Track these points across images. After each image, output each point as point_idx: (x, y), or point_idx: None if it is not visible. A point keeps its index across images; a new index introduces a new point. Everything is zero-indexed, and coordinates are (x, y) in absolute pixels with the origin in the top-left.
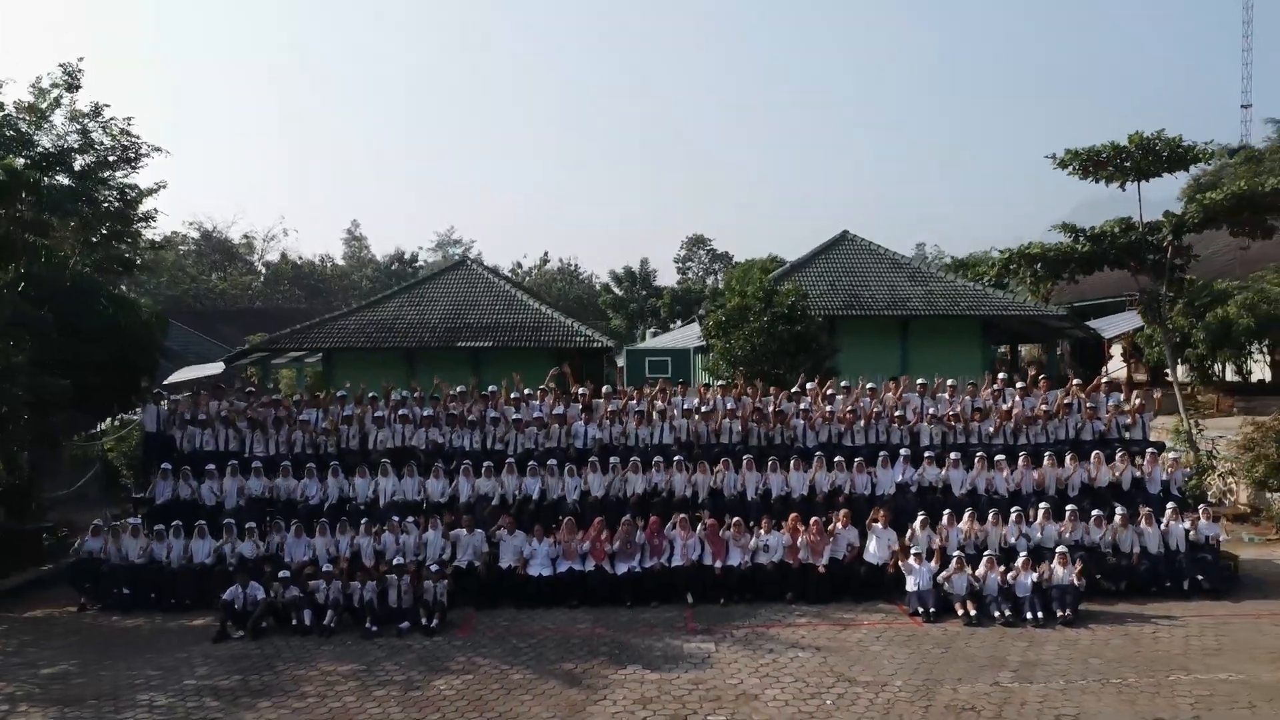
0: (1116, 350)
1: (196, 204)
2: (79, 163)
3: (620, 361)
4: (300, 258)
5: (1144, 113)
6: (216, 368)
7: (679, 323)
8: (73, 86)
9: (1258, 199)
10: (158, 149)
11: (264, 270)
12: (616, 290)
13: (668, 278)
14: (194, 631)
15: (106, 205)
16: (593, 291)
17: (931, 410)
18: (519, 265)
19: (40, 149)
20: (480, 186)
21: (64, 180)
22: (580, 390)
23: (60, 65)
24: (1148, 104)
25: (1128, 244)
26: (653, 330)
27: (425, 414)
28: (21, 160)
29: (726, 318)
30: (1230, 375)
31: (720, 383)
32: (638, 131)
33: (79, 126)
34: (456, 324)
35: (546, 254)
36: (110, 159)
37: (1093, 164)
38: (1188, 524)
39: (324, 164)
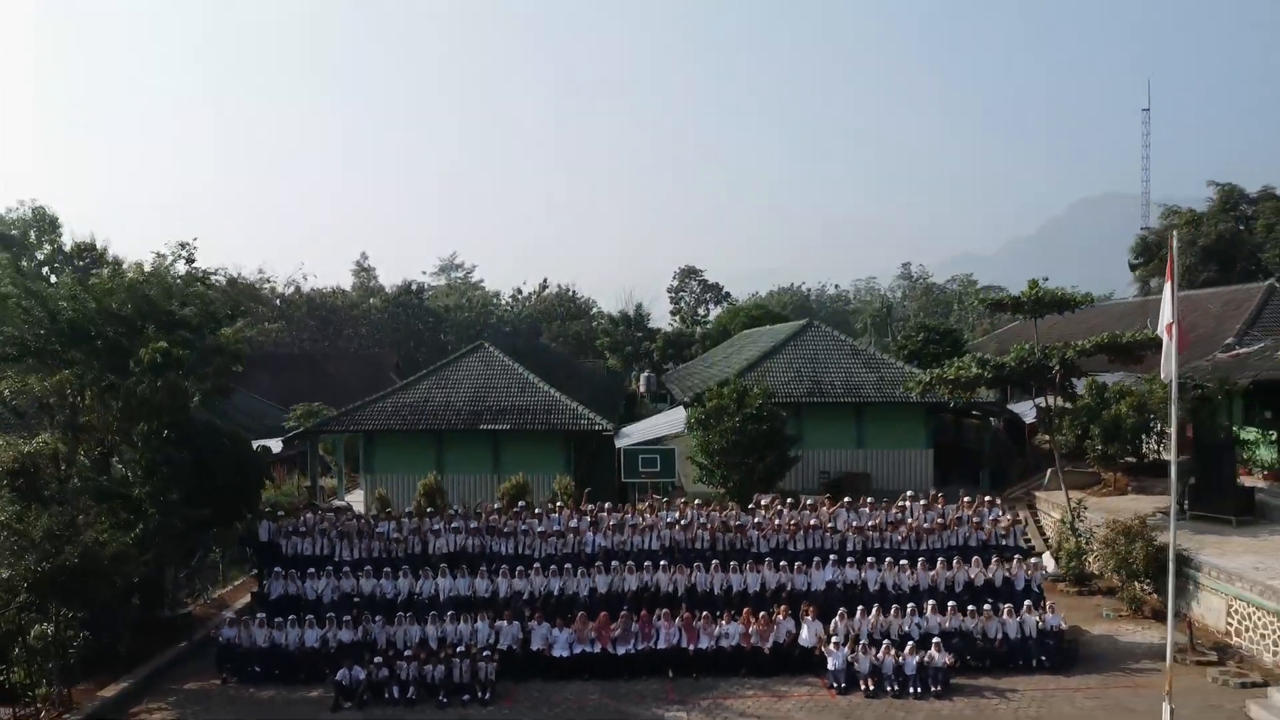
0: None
1: (216, 243)
2: (195, 319)
3: (619, 442)
4: (312, 288)
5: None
6: (277, 445)
7: (671, 365)
8: (189, 260)
9: (1118, 347)
10: (252, 286)
11: (279, 304)
12: (613, 333)
13: (662, 306)
14: (313, 702)
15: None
16: (590, 329)
17: (855, 523)
18: (519, 291)
19: (166, 314)
20: (486, 212)
21: (186, 334)
22: (589, 506)
23: (180, 244)
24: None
25: (1025, 370)
26: (647, 374)
27: (471, 525)
28: (163, 343)
29: (706, 415)
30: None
31: (697, 501)
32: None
33: (195, 290)
34: (479, 407)
35: (545, 280)
36: (217, 315)
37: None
38: (1038, 616)
39: (333, 195)
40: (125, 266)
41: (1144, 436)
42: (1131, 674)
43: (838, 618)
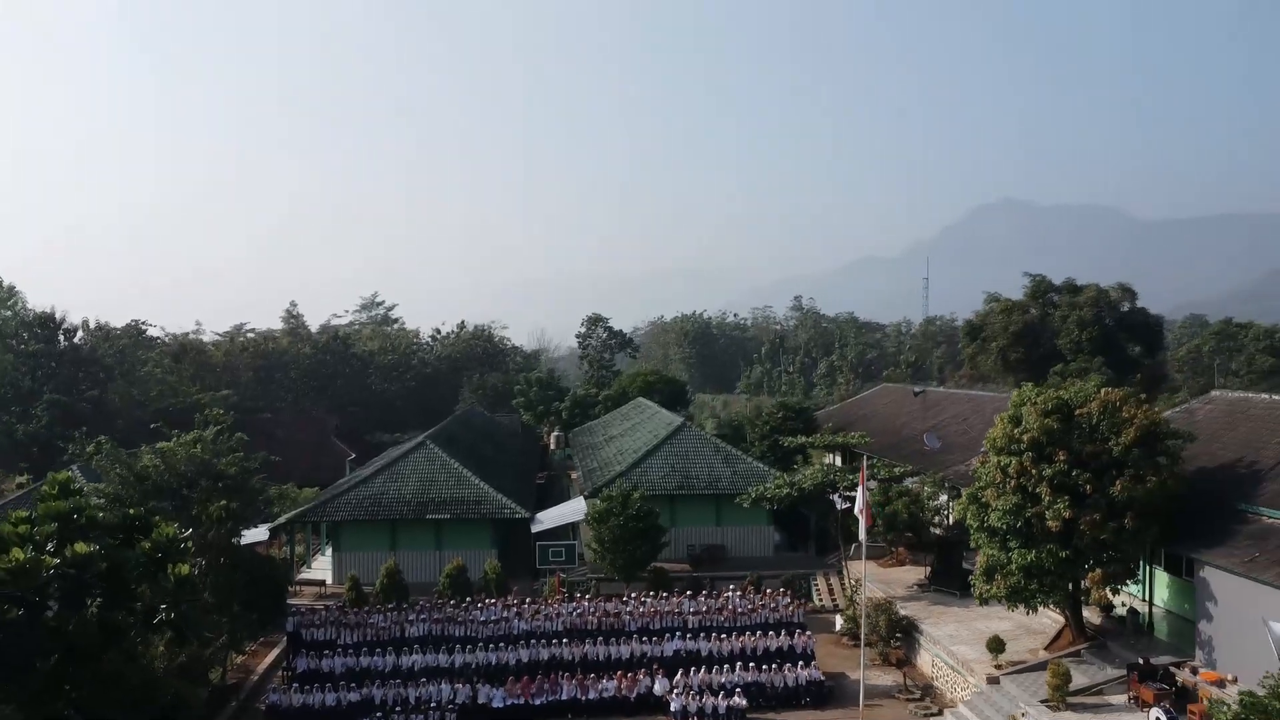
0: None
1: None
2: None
3: (534, 526)
4: (248, 335)
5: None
6: (264, 535)
7: (580, 420)
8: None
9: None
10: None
11: (223, 359)
12: (528, 393)
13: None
14: None
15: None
16: (508, 382)
17: (691, 608)
18: (438, 331)
19: (217, 473)
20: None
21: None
22: (514, 602)
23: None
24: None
25: (817, 489)
26: (556, 433)
27: (435, 616)
28: (224, 501)
29: (598, 515)
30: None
31: (587, 594)
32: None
33: (232, 453)
34: (424, 499)
35: (464, 322)
36: (249, 467)
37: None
38: (807, 671)
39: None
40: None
41: (916, 525)
42: (866, 707)
43: (679, 674)
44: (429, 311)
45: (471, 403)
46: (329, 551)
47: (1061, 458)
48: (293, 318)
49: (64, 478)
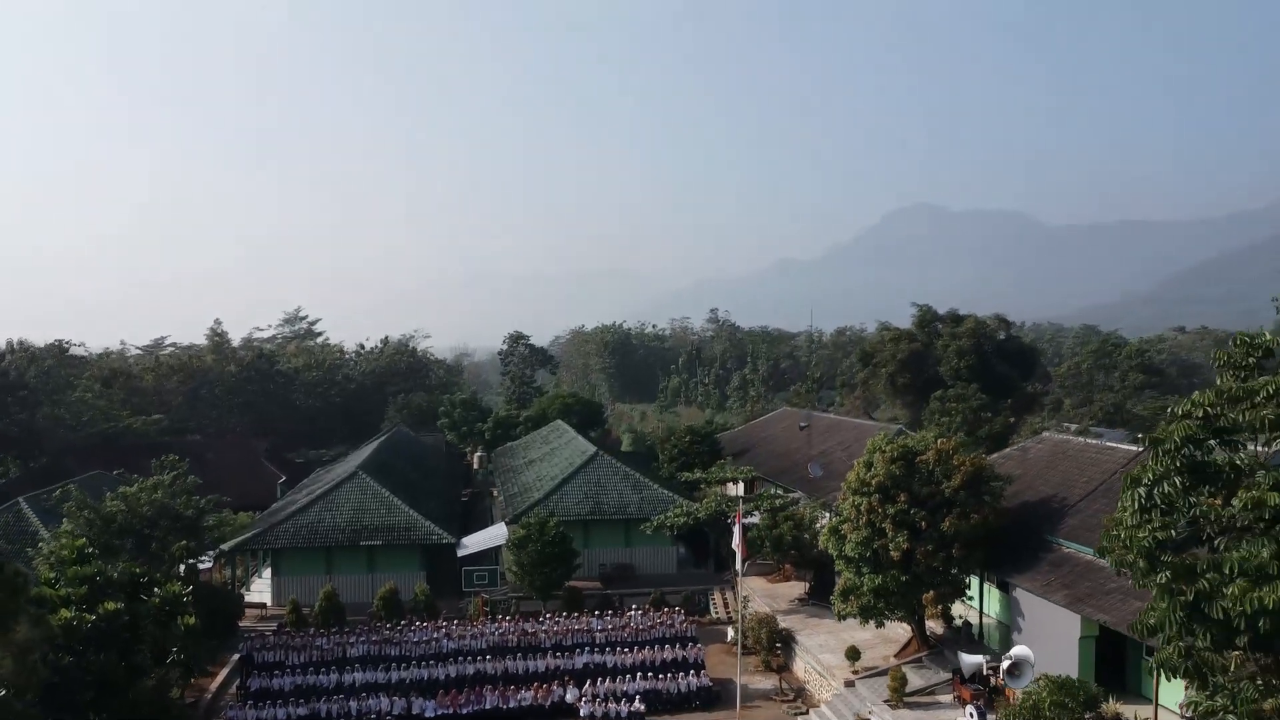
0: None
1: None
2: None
3: (460, 550)
4: (169, 351)
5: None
6: (208, 563)
7: (503, 439)
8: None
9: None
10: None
11: (151, 379)
12: (451, 415)
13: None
14: None
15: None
16: (432, 403)
17: (599, 625)
18: (362, 346)
19: (175, 515)
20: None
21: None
22: (443, 624)
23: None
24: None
25: (711, 519)
26: (480, 453)
27: (374, 638)
28: (185, 541)
29: (517, 542)
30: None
31: (508, 614)
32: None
33: (187, 495)
34: (357, 526)
35: (387, 338)
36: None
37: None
38: (697, 679)
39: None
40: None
41: (799, 545)
42: (745, 708)
43: (588, 684)
44: (351, 317)
45: (397, 421)
46: (267, 574)
47: (902, 499)
48: (217, 335)
49: (80, 544)
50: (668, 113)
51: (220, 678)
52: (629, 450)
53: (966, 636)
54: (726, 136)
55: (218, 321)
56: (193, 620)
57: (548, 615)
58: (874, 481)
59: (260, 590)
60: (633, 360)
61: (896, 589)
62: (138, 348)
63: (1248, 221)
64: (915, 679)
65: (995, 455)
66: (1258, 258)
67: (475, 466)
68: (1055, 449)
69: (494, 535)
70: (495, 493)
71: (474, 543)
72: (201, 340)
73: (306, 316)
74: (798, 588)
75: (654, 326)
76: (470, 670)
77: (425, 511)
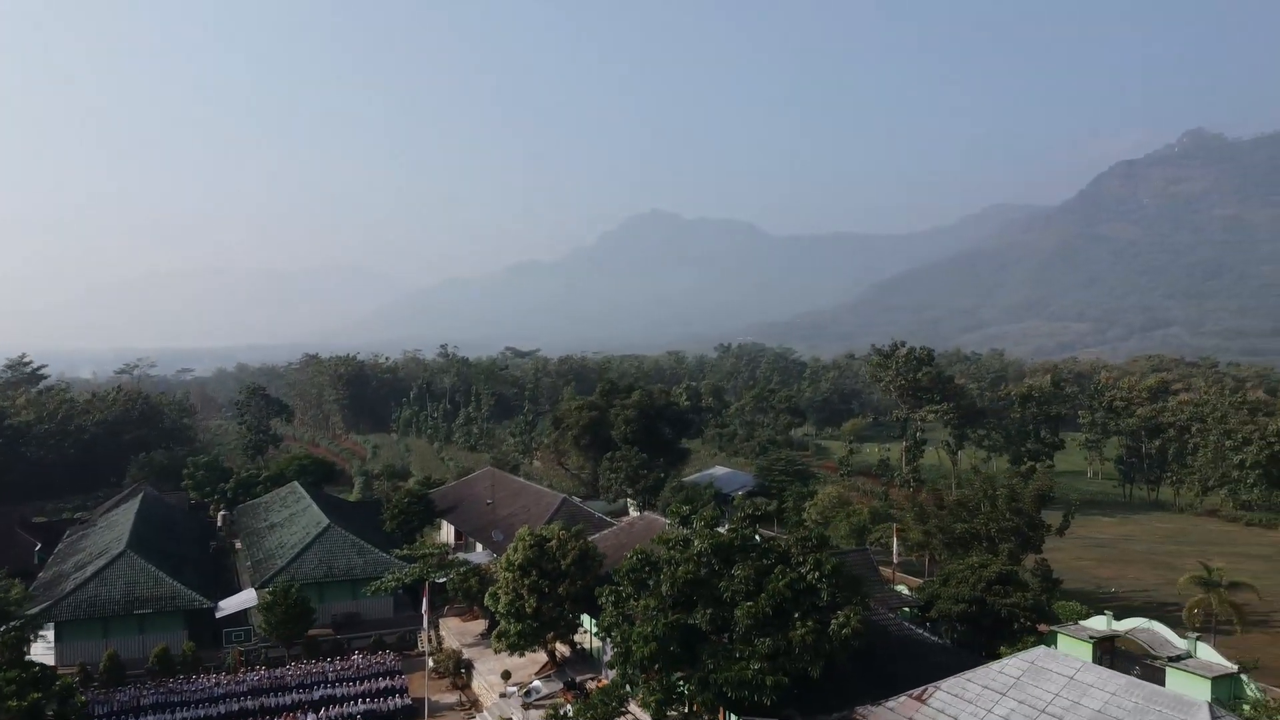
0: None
1: None
2: None
3: (218, 612)
4: None
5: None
6: (18, 623)
7: (244, 496)
8: None
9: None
10: None
11: None
12: (195, 475)
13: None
14: None
15: None
16: (177, 458)
17: (330, 667)
18: (93, 395)
19: None
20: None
21: None
22: (213, 677)
23: None
24: None
25: (412, 585)
26: (224, 511)
27: (162, 689)
28: None
29: (265, 606)
30: None
31: (259, 664)
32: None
33: None
34: (130, 598)
35: (120, 387)
36: None
37: None
38: (401, 699)
39: None
40: None
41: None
42: (433, 716)
43: (322, 710)
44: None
45: (140, 478)
46: (47, 636)
47: (534, 573)
48: None
49: None
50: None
51: None
52: (357, 499)
53: (583, 657)
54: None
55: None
56: (84, 700)
57: (291, 661)
58: (517, 561)
59: (41, 653)
60: (366, 391)
61: (531, 632)
62: None
63: (941, 237)
64: (545, 687)
65: (605, 531)
66: (946, 270)
67: (219, 525)
68: (649, 525)
69: (246, 599)
70: (238, 545)
71: (230, 605)
72: None
73: (30, 362)
74: (482, 625)
75: (386, 358)
76: (236, 708)
77: (185, 579)
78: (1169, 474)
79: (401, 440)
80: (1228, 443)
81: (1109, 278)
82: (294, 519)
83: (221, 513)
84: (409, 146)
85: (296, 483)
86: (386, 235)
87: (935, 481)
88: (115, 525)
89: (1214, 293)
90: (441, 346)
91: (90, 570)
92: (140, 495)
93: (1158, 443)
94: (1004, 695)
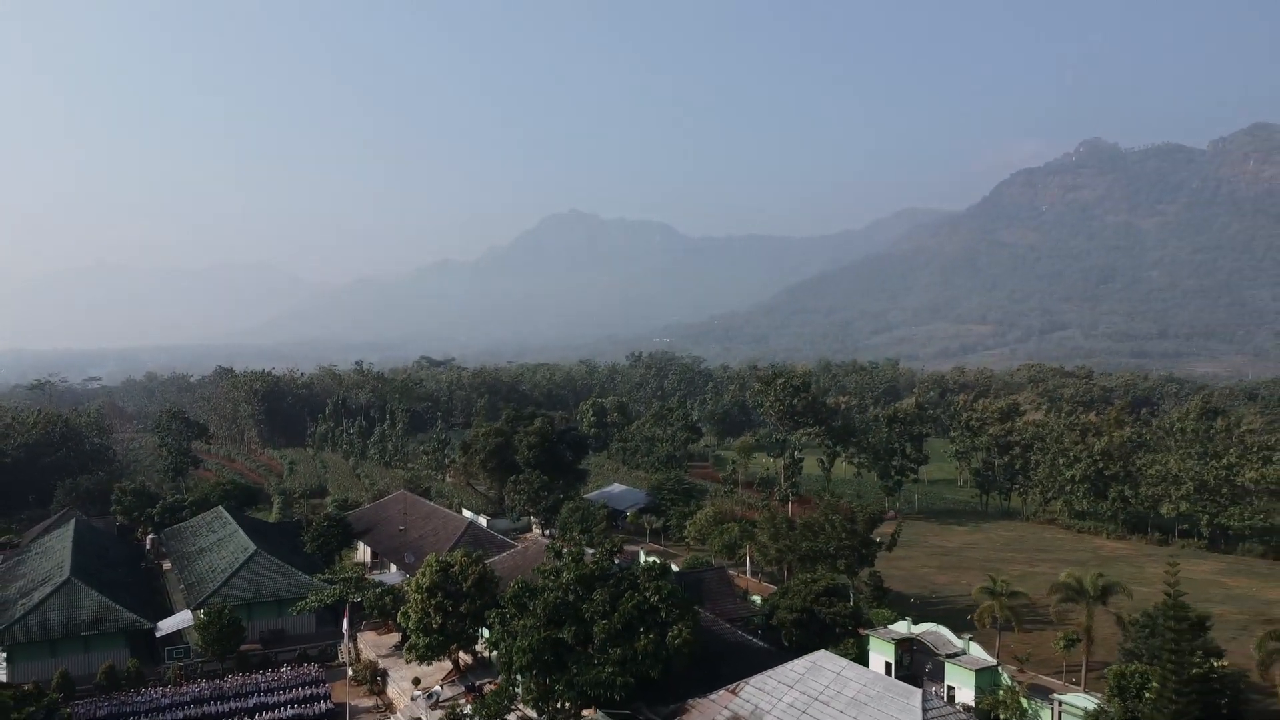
0: None
1: None
2: None
3: (158, 632)
4: None
5: None
6: None
7: (171, 520)
8: None
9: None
10: None
11: None
12: (123, 501)
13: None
14: None
15: None
16: (104, 483)
17: (262, 678)
18: (15, 419)
19: None
20: None
21: None
22: (159, 689)
23: None
24: None
25: (335, 604)
26: (152, 535)
27: (114, 701)
28: None
29: (202, 625)
30: None
31: (198, 675)
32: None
33: None
34: (76, 620)
35: (40, 410)
36: None
37: None
38: (324, 704)
39: None
40: None
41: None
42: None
43: (256, 716)
44: None
45: (67, 503)
46: (1, 659)
47: (440, 595)
48: None
49: None
50: (328, 108)
51: None
52: (277, 520)
53: (483, 665)
54: (395, 139)
55: None
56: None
57: (228, 674)
58: (425, 584)
59: None
60: (282, 406)
61: (437, 644)
62: None
63: (852, 239)
64: (448, 691)
65: (504, 554)
66: (857, 273)
67: (148, 547)
68: (540, 548)
69: (183, 619)
70: (167, 567)
71: (168, 625)
72: None
73: None
74: (395, 638)
75: (302, 374)
76: (181, 716)
77: (124, 601)
78: (1017, 486)
79: (317, 455)
80: (1061, 460)
81: (1010, 282)
82: (222, 544)
83: (150, 536)
84: (327, 144)
85: (221, 507)
86: (293, 233)
87: (817, 493)
88: (52, 553)
89: (1106, 296)
90: (356, 363)
91: (37, 597)
92: (73, 522)
93: (1007, 458)
94: (791, 687)
